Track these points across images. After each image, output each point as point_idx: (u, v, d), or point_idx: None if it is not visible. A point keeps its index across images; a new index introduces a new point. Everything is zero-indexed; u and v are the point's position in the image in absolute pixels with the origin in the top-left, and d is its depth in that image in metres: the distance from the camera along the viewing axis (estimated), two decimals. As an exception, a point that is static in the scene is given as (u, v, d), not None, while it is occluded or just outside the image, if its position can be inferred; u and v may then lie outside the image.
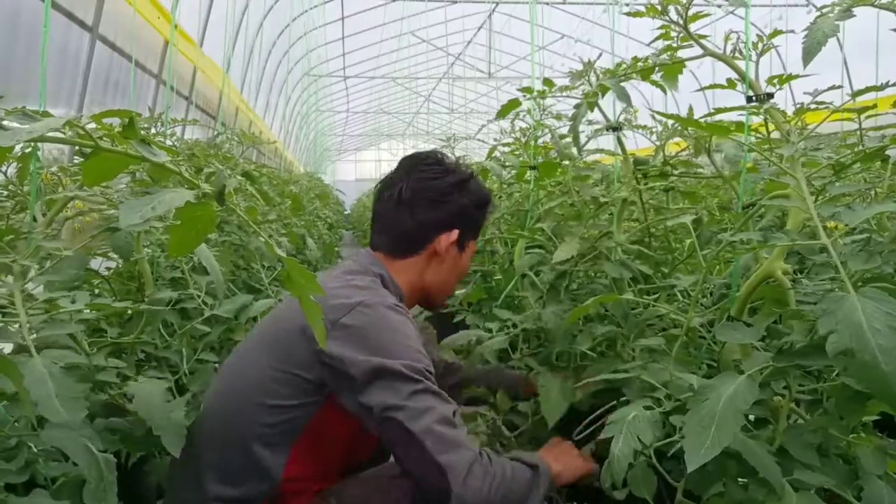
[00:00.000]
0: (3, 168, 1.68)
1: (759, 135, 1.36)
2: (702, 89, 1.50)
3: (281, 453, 1.25)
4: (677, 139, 1.65)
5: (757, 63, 1.27)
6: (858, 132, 1.41)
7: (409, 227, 1.46)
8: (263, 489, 1.25)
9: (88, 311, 1.25)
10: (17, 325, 1.00)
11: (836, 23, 1.03)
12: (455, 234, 1.47)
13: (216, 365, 1.66)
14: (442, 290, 1.54)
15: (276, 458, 1.25)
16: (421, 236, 1.46)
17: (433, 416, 1.16)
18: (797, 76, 1.22)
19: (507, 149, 2.52)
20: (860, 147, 1.17)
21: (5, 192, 1.71)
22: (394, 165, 1.58)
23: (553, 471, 1.29)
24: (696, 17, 1.34)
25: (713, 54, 1.31)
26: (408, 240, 1.46)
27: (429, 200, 1.46)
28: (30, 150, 1.54)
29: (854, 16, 1.04)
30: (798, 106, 1.24)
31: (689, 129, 1.43)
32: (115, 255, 1.73)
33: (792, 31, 1.24)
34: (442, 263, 1.48)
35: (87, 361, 1.15)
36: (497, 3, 14.56)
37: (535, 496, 1.23)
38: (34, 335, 1.00)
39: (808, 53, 1.03)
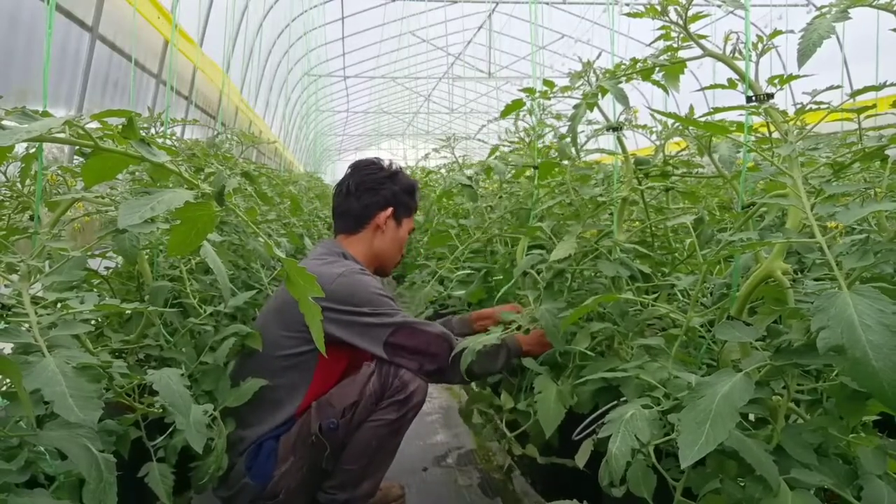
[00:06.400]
0: (4, 168, 1.68)
1: (759, 134, 1.36)
2: (702, 89, 1.50)
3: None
4: (677, 139, 1.65)
5: (757, 63, 1.27)
6: (858, 132, 1.40)
7: (356, 209, 1.98)
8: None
9: (88, 312, 1.24)
10: (25, 326, 1.00)
11: (832, 24, 1.03)
12: (390, 210, 1.98)
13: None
14: (389, 256, 2.02)
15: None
16: (365, 215, 1.97)
17: (414, 326, 1.75)
18: (797, 76, 1.22)
19: (508, 148, 2.51)
20: (859, 147, 1.17)
21: (7, 193, 1.70)
22: (393, 165, 2.08)
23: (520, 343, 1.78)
24: (696, 17, 1.34)
25: (713, 55, 1.31)
26: (356, 219, 1.98)
27: (368, 188, 1.98)
28: (34, 150, 1.54)
29: (850, 17, 1.04)
30: (798, 106, 1.24)
31: (690, 128, 1.43)
32: (113, 255, 1.72)
33: (791, 31, 1.24)
34: (384, 234, 1.99)
35: (98, 361, 1.15)
36: (497, 3, 14.56)
37: (503, 356, 1.74)
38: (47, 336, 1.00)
39: (803, 55, 1.03)
